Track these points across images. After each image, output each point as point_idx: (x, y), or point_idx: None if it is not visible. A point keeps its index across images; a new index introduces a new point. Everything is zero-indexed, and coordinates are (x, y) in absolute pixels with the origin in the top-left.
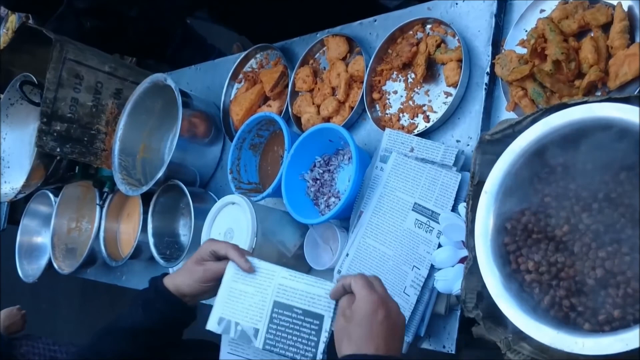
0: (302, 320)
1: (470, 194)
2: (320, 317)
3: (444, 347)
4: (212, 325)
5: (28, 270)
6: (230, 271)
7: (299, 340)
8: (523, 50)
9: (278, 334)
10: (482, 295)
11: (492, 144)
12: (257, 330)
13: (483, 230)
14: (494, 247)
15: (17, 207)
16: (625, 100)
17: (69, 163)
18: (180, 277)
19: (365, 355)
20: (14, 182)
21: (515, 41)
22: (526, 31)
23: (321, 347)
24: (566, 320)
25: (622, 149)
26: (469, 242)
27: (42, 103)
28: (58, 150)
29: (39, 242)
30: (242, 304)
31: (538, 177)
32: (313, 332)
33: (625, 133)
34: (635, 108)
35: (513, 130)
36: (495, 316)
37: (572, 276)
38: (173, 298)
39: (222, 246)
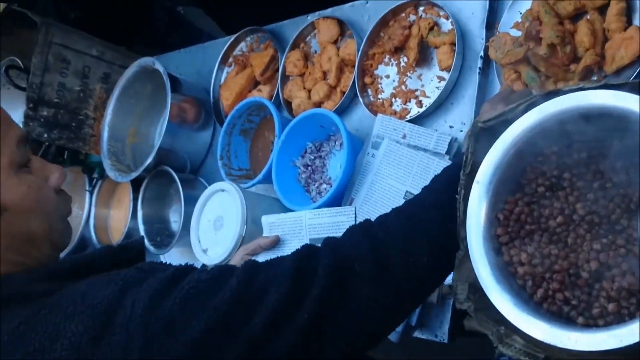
0: None
1: (462, 183)
2: None
3: (436, 336)
4: None
5: None
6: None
7: None
8: (518, 33)
9: None
10: (474, 287)
11: (486, 131)
12: None
13: (475, 222)
14: (486, 239)
15: None
16: (621, 87)
17: (57, 149)
18: None
19: None
20: None
21: (510, 24)
22: (521, 13)
23: None
24: (559, 314)
25: (618, 138)
26: (460, 232)
27: (28, 88)
28: (45, 136)
29: None
30: (283, 250)
31: (531, 166)
32: None
33: (621, 121)
34: (632, 95)
35: (507, 118)
36: (487, 308)
37: (566, 269)
38: None
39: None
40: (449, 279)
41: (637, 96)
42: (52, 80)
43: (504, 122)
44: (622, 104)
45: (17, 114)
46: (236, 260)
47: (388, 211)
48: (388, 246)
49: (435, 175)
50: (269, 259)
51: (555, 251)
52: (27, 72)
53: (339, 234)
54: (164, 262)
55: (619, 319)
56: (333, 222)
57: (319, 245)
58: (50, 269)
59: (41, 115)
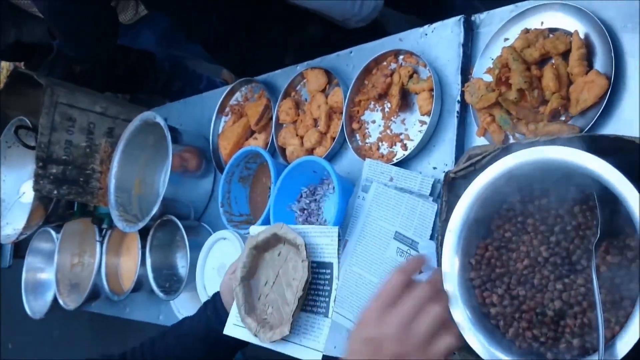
0: (317, 273)
1: (439, 229)
2: (330, 266)
3: None
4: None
5: (35, 306)
6: None
7: (316, 293)
8: (490, 78)
9: None
10: None
11: (457, 180)
12: None
13: (450, 267)
14: (461, 282)
15: (21, 243)
16: (570, 141)
17: (67, 202)
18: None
19: None
20: (15, 223)
21: (483, 69)
22: (492, 59)
23: (333, 294)
24: (530, 351)
25: (573, 185)
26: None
27: (37, 148)
28: (55, 192)
29: (44, 279)
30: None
31: (498, 213)
32: (327, 282)
33: (574, 172)
34: (577, 151)
35: (475, 168)
36: (469, 346)
37: (533, 308)
38: (222, 308)
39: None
40: None
41: (583, 152)
42: (59, 138)
43: (473, 172)
44: (569, 159)
45: (27, 172)
46: (225, 282)
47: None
48: None
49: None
50: None
51: (522, 292)
52: (35, 130)
53: (324, 258)
54: None
55: (583, 352)
56: (317, 244)
57: None
58: None
59: (50, 173)
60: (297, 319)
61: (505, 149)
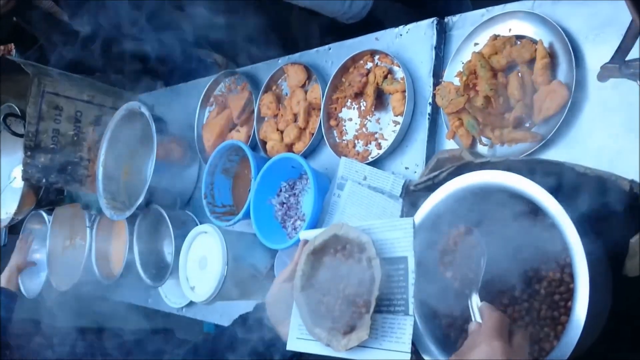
0: (387, 270)
1: None
2: (404, 260)
3: None
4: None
5: (29, 286)
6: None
7: (390, 291)
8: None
9: None
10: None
11: (417, 193)
12: None
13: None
14: (416, 293)
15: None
16: (523, 163)
17: (57, 189)
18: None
19: None
20: (8, 207)
21: (454, 72)
22: (462, 63)
23: (411, 290)
24: None
25: (516, 202)
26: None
27: (25, 137)
28: (44, 180)
29: (37, 259)
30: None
31: (450, 227)
32: (401, 278)
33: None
34: (514, 175)
35: (433, 182)
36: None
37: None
38: None
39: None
40: None
41: (518, 175)
42: (46, 127)
43: (431, 187)
44: (507, 183)
45: (17, 159)
46: (274, 293)
47: None
48: None
49: None
50: None
51: None
52: (24, 117)
53: (395, 253)
54: None
55: None
56: (385, 239)
57: None
58: None
59: (38, 162)
60: (373, 322)
61: (459, 168)
